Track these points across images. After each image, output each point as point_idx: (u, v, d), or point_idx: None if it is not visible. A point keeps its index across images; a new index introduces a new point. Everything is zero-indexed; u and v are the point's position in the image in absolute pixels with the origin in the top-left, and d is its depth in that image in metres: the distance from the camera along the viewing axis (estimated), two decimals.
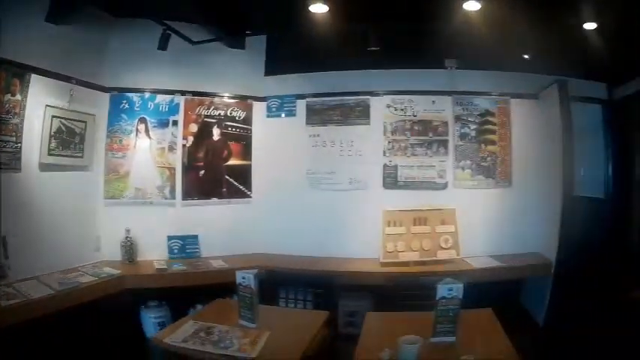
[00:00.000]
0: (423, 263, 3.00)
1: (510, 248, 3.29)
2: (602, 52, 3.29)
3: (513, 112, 3.33)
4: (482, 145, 3.23)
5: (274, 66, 3.37)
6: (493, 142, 3.25)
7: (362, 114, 3.16)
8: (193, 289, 2.78)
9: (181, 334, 1.78)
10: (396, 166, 3.14)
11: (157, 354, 1.81)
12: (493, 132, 3.24)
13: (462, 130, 3.20)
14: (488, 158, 3.23)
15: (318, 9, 2.81)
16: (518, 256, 3.29)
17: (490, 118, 3.25)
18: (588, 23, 3.13)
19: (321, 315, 2.29)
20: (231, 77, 3.36)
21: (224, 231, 3.26)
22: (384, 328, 2.10)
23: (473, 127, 3.22)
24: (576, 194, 3.86)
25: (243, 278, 1.98)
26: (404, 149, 3.14)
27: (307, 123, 3.20)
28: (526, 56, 3.27)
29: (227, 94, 3.30)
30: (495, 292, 3.21)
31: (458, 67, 3.29)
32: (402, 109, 3.16)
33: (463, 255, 3.11)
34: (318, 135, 3.17)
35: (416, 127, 3.15)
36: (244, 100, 3.31)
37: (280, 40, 3.38)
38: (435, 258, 3.03)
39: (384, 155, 3.15)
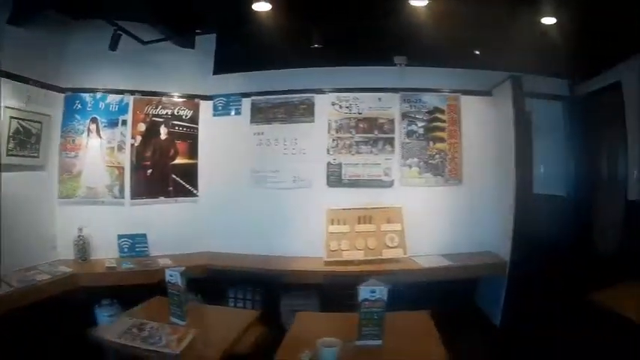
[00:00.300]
0: (369, 262, 2.95)
1: (463, 247, 3.22)
2: (562, 49, 3.20)
3: (465, 108, 3.26)
4: (431, 143, 3.16)
5: (223, 65, 3.36)
6: (442, 140, 3.18)
7: (306, 112, 3.12)
8: (144, 287, 2.78)
9: (117, 329, 1.82)
10: (340, 164, 3.10)
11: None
12: (442, 129, 3.17)
13: (409, 128, 3.14)
14: (437, 156, 3.16)
15: (261, 7, 2.78)
16: (471, 255, 3.22)
17: (439, 115, 3.18)
18: (547, 18, 3.03)
19: (252, 314, 2.30)
20: (180, 76, 3.36)
21: (172, 230, 3.26)
22: (313, 328, 2.07)
23: (421, 124, 3.15)
24: (536, 192, 3.78)
25: (171, 276, 1.98)
26: (348, 147, 3.09)
27: (252, 121, 3.18)
28: (477, 52, 3.19)
29: (175, 93, 3.29)
30: (450, 292, 3.18)
31: (407, 64, 3.22)
32: (347, 107, 3.11)
33: (411, 254, 3.06)
34: (262, 133, 3.14)
35: (361, 125, 3.10)
36: (191, 99, 3.31)
37: (228, 39, 3.36)
38: (380, 257, 2.97)
39: (328, 153, 3.11)
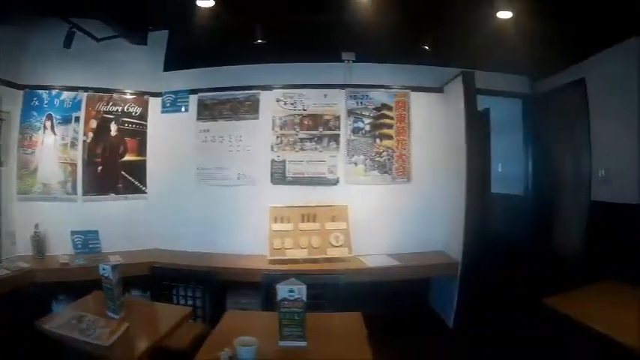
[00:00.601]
0: (313, 261, 2.91)
1: (413, 247, 3.18)
2: (520, 44, 3.11)
3: (415, 105, 3.20)
4: (378, 140, 3.11)
5: (173, 61, 3.35)
6: (389, 137, 3.12)
7: (251, 108, 3.10)
8: (96, 283, 2.80)
9: (60, 321, 1.88)
10: (284, 162, 3.07)
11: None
12: (390, 126, 3.12)
13: (355, 125, 3.09)
14: (384, 153, 3.10)
15: (206, 3, 2.78)
16: (422, 255, 3.17)
17: (387, 112, 3.13)
18: (503, 12, 2.94)
19: (184, 310, 2.30)
20: (131, 73, 3.37)
21: (122, 227, 3.28)
22: (238, 327, 2.04)
23: (367, 121, 3.10)
24: (494, 191, 3.69)
25: (104, 270, 1.99)
26: (292, 144, 3.06)
27: (198, 118, 3.17)
28: (426, 47, 3.12)
29: (125, 90, 3.31)
30: (403, 293, 3.13)
31: (355, 60, 3.17)
32: (291, 104, 3.08)
33: (357, 253, 3.02)
34: (208, 130, 3.13)
35: (306, 122, 3.07)
36: (141, 96, 3.32)
37: (179, 35, 3.36)
38: (325, 256, 2.94)
39: (272, 150, 3.08)
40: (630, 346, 1.50)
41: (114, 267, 1.97)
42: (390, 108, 3.11)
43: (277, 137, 3.06)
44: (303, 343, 1.59)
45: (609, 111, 2.91)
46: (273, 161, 3.07)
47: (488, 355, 2.81)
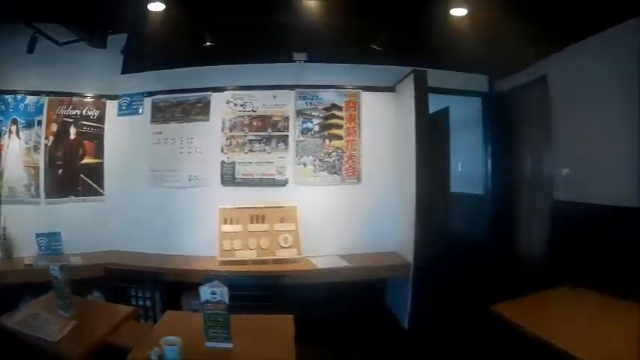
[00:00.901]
0: (262, 262, 2.93)
1: (365, 248, 3.17)
2: (479, 43, 3.07)
3: (366, 105, 3.18)
4: (327, 141, 3.11)
5: (130, 65, 3.41)
6: (339, 137, 3.12)
7: (202, 110, 3.13)
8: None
9: (18, 318, 1.99)
10: (233, 163, 3.09)
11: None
12: (339, 126, 3.11)
13: (304, 125, 3.09)
14: (333, 154, 3.10)
15: (156, 7, 2.82)
16: (374, 256, 3.15)
17: (336, 112, 3.12)
18: (457, 9, 2.90)
19: (128, 309, 2.36)
20: (91, 76, 3.43)
21: (83, 228, 3.35)
22: (175, 327, 2.06)
23: (316, 121, 3.10)
24: (454, 191, 3.64)
25: (53, 270, 2.07)
26: (242, 145, 3.08)
27: (152, 120, 3.21)
28: (377, 48, 3.10)
29: (87, 94, 3.38)
30: (359, 293, 3.13)
31: (307, 60, 3.18)
32: (241, 105, 3.10)
33: (307, 254, 3.02)
34: (160, 132, 3.18)
35: (255, 123, 3.08)
36: (99, 99, 3.38)
37: (136, 39, 3.41)
38: (273, 257, 2.95)
39: (222, 152, 3.11)
40: (573, 354, 1.45)
41: (61, 267, 2.06)
42: (340, 108, 3.10)
43: (227, 139, 3.09)
44: (229, 345, 1.64)
45: (572, 109, 2.85)
46: (223, 163, 3.10)
47: (441, 355, 2.80)
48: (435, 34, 3.09)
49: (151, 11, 2.89)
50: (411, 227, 2.97)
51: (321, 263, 2.97)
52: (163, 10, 2.87)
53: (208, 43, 3.01)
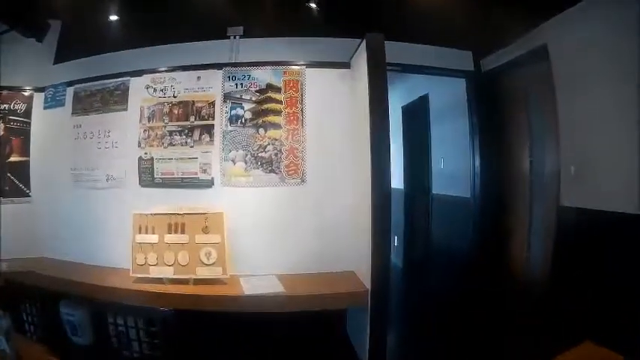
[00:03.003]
0: (183, 281, 2.39)
1: (314, 265, 2.50)
2: (461, 12, 2.35)
3: (311, 85, 2.51)
4: (261, 131, 2.49)
5: (62, 54, 3.08)
6: (277, 126, 2.48)
7: (120, 99, 2.66)
8: None
9: None
10: (152, 159, 2.58)
11: None
12: (277, 112, 2.48)
13: (233, 112, 2.49)
14: (269, 147, 2.47)
15: None
16: (322, 276, 2.48)
17: (273, 95, 2.49)
18: None
19: None
20: (23, 68, 3.13)
21: (11, 232, 3.04)
22: None
23: (248, 107, 2.49)
24: (436, 192, 2.84)
25: None
26: (161, 138, 2.56)
27: (73, 112, 2.81)
28: (312, 5, 2.43)
29: (13, 86, 3.07)
30: (317, 319, 2.48)
31: (243, 35, 2.59)
32: (161, 90, 2.58)
33: (236, 272, 2.43)
34: (80, 126, 2.76)
35: (175, 111, 2.55)
36: (26, 92, 3.06)
37: (68, 26, 3.07)
38: (193, 276, 2.39)
39: (139, 146, 2.61)
40: None
41: None
42: (277, 89, 2.46)
43: (145, 131, 2.58)
44: None
45: (581, 86, 2.07)
46: (140, 159, 2.59)
47: None
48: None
49: None
50: (366, 242, 2.24)
51: (248, 287, 2.34)
52: None
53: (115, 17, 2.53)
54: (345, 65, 2.52)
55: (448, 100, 2.81)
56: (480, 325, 2.41)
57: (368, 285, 2.29)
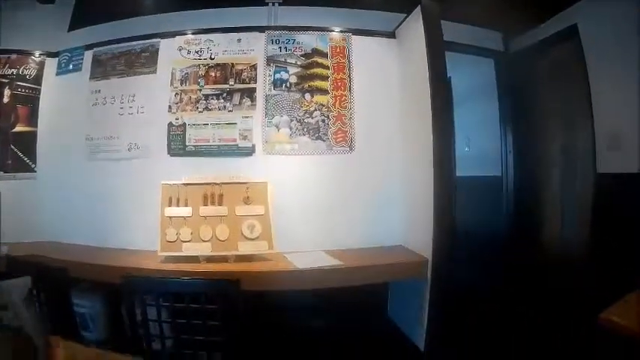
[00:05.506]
0: (222, 259, 2.14)
1: (362, 240, 2.32)
2: None
3: (358, 52, 2.39)
4: (307, 96, 2.32)
5: (79, 20, 2.85)
6: (324, 91, 2.32)
7: (148, 61, 2.45)
8: None
9: None
10: (184, 125, 2.35)
11: None
12: (324, 77, 2.32)
13: (277, 75, 2.32)
14: (316, 113, 2.30)
15: None
16: (373, 251, 2.30)
17: (319, 60, 2.34)
18: None
19: None
20: (35, 33, 2.89)
21: (14, 212, 2.69)
22: None
23: (293, 70, 2.33)
24: (461, 174, 2.77)
25: None
26: (195, 102, 2.34)
27: (91, 77, 2.56)
28: None
29: (24, 50, 2.80)
30: (357, 297, 2.28)
31: (282, 3, 2.46)
32: (196, 52, 2.38)
33: (282, 249, 2.19)
34: (98, 91, 2.51)
35: (212, 73, 2.35)
36: (37, 56, 2.79)
37: None
38: (235, 252, 2.14)
39: (170, 111, 2.38)
40: None
41: None
42: (324, 55, 2.33)
43: (176, 94, 2.36)
44: None
45: (613, 63, 2.12)
46: (170, 125, 2.36)
47: None
48: None
49: None
50: (423, 214, 2.09)
51: (300, 262, 2.11)
52: None
53: None
54: (390, 35, 2.43)
55: (472, 83, 2.79)
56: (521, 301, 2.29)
57: (424, 256, 2.13)
